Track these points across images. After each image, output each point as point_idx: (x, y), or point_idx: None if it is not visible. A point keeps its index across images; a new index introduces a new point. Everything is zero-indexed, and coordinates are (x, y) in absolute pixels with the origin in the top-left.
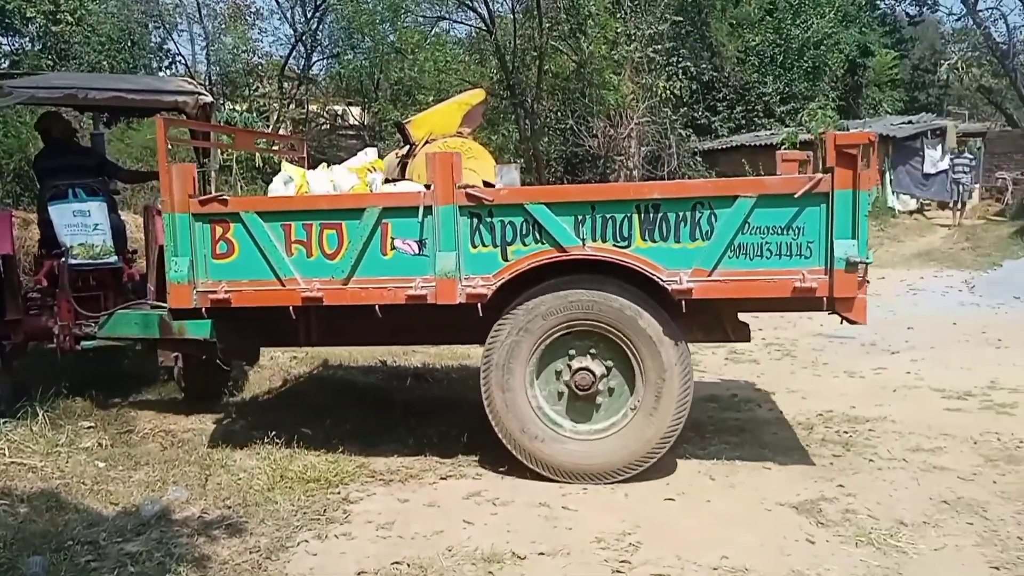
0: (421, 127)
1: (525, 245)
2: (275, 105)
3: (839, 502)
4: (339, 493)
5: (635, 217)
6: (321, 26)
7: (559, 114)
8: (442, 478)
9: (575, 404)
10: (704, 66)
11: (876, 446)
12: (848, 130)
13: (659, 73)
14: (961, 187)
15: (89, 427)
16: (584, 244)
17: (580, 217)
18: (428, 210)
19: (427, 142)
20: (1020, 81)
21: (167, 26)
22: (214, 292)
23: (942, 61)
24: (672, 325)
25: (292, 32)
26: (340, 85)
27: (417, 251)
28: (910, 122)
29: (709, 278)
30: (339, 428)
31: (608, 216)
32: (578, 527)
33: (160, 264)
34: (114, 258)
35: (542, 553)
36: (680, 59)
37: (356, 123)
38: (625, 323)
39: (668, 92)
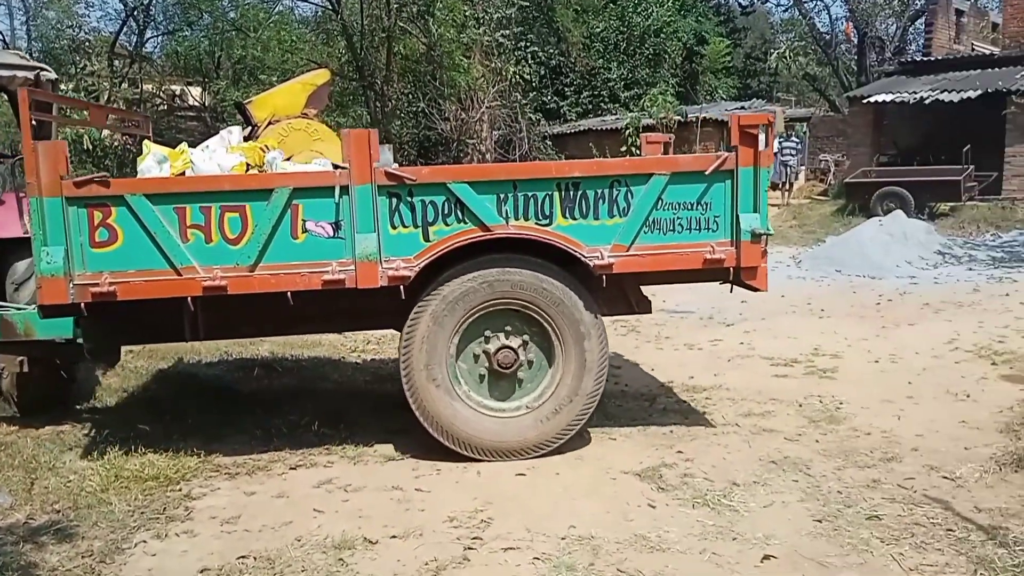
0: (264, 108)
1: (447, 225)
2: (105, 84)
3: (678, 467)
4: (180, 490)
5: (556, 195)
6: (154, 0)
7: (410, 97)
8: (291, 468)
9: (497, 383)
10: (551, 51)
11: (712, 413)
12: (686, 115)
13: (508, 57)
14: (789, 169)
15: None
16: (508, 222)
17: (503, 196)
18: (344, 190)
19: (270, 123)
20: (841, 69)
21: None
22: (95, 285)
23: (772, 50)
24: (591, 300)
25: (123, 6)
26: (178, 64)
27: (332, 234)
28: (743, 107)
29: (628, 253)
30: (180, 423)
31: (530, 194)
32: (430, 508)
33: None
34: None
35: (394, 536)
36: (528, 44)
37: (196, 104)
38: (547, 300)
39: (517, 76)
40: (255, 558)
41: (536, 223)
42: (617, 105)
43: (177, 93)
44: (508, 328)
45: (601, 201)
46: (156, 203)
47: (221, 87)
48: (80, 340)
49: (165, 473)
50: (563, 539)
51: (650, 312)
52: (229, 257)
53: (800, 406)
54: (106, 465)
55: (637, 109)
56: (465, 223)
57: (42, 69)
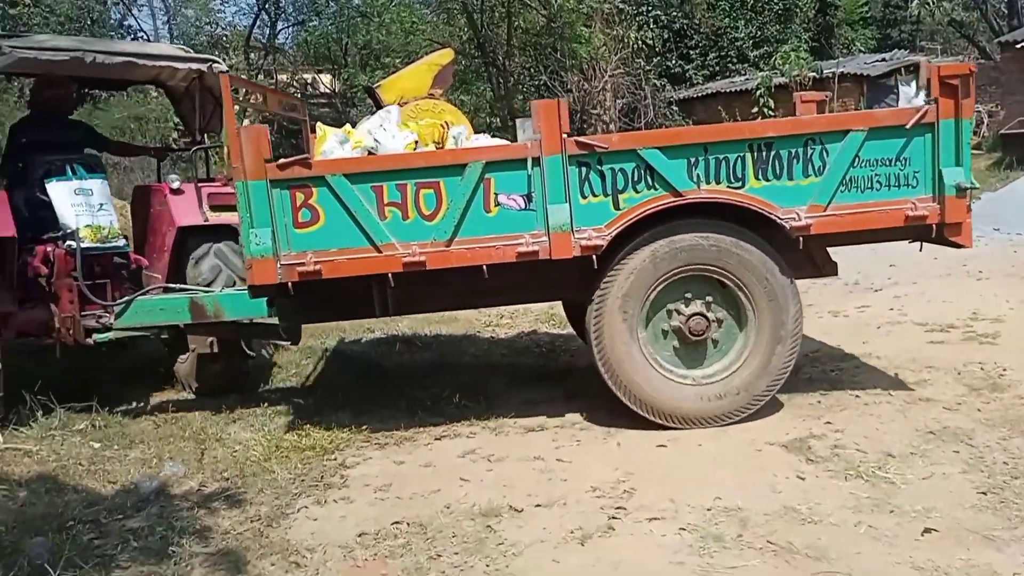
0: (392, 91)
1: (637, 192)
2: (243, 77)
3: (827, 439)
4: (335, 459)
5: (748, 156)
6: None
7: (532, 70)
8: (436, 439)
9: (688, 350)
10: (675, 14)
11: (862, 382)
12: (822, 72)
13: (630, 23)
14: None
15: (81, 410)
16: (699, 187)
17: (693, 160)
18: (535, 161)
19: (399, 106)
20: (991, 13)
21: (126, 1)
22: (301, 264)
23: None
24: (784, 264)
25: (255, 1)
26: (308, 53)
27: (523, 206)
28: (883, 60)
29: (825, 213)
30: (331, 397)
31: (721, 157)
32: (573, 478)
33: (176, 246)
34: (123, 241)
35: (539, 505)
36: (650, 8)
37: (327, 91)
38: (740, 265)
39: (640, 42)
40: (408, 524)
41: (728, 186)
42: (746, 65)
43: (309, 81)
44: (697, 295)
45: (795, 161)
46: (355, 182)
47: (350, 73)
48: (260, 321)
49: (321, 444)
50: (708, 510)
51: (836, 275)
52: (426, 233)
53: (959, 374)
54: (268, 436)
55: (768, 68)
56: (655, 189)
57: (213, 61)
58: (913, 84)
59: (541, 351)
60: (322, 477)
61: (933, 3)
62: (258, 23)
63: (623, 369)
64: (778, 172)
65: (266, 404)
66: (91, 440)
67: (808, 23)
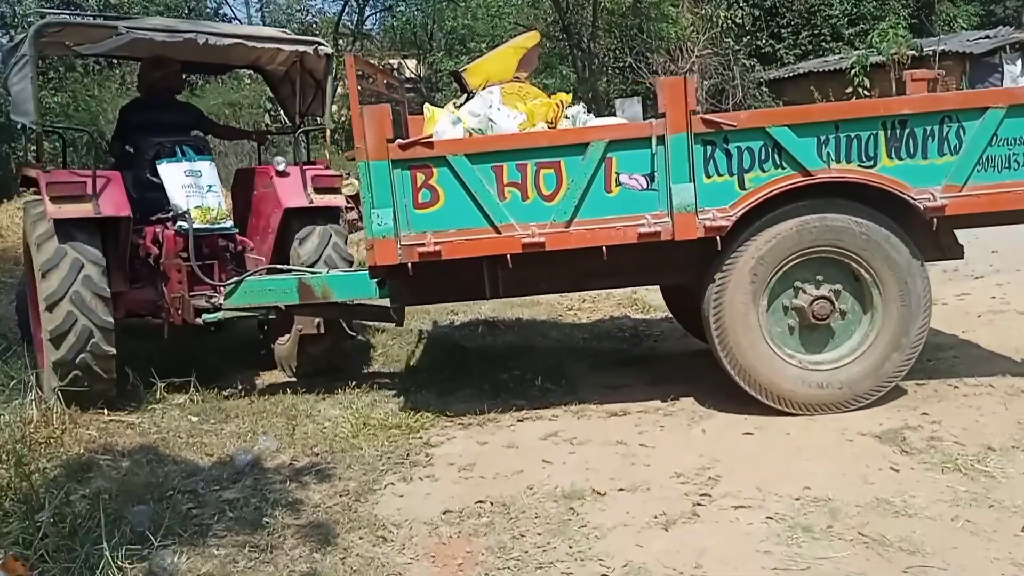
0: (477, 75)
1: (764, 171)
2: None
3: (923, 430)
4: (420, 438)
5: (881, 135)
6: None
7: (617, 52)
8: (519, 420)
9: (810, 335)
10: None
11: (961, 372)
12: (922, 49)
13: (719, 2)
14: None
15: (180, 386)
16: (829, 166)
17: (823, 138)
18: (659, 140)
19: (485, 88)
20: None
21: None
22: (421, 245)
23: None
24: (913, 246)
25: None
26: (395, 39)
27: (645, 186)
28: (987, 37)
29: (961, 193)
30: (415, 377)
31: (853, 135)
32: (656, 463)
33: (282, 228)
34: (230, 223)
35: (622, 489)
36: None
37: (412, 76)
38: (867, 247)
39: (729, 21)
40: (491, 503)
41: (859, 165)
42: (840, 44)
43: (395, 66)
44: (820, 277)
45: (930, 139)
46: (475, 162)
47: (436, 58)
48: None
49: (406, 422)
50: (797, 500)
51: (961, 257)
52: (545, 213)
53: None
54: (355, 414)
55: (864, 46)
56: (783, 168)
57: (318, 43)
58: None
59: (624, 336)
60: (408, 455)
61: None
62: (347, 10)
63: (734, 330)
64: (912, 151)
65: (354, 383)
66: (189, 414)
67: None
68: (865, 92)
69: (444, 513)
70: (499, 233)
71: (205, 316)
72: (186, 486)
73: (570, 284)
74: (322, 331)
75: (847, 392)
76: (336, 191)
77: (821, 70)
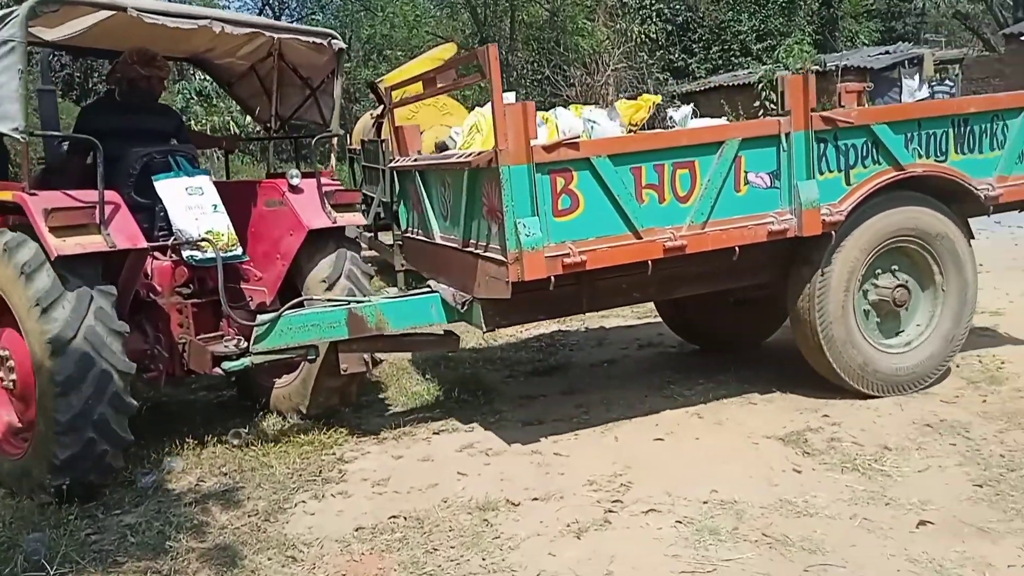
0: (394, 83)
1: (865, 167)
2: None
3: (824, 432)
4: (334, 454)
5: (950, 132)
6: None
7: (535, 64)
8: (434, 433)
9: (885, 320)
10: (678, 7)
11: None
12: (825, 64)
13: (633, 17)
14: None
15: None
16: (915, 160)
17: (909, 135)
18: (785, 138)
19: (401, 102)
20: (996, 5)
21: None
22: (566, 255)
23: None
24: (965, 233)
25: None
26: None
27: (769, 184)
28: (887, 52)
29: (1008, 184)
30: None
31: (930, 132)
32: (570, 472)
33: (298, 253)
34: (240, 250)
35: (536, 499)
36: (654, 2)
37: None
38: (937, 236)
39: (643, 36)
40: (405, 518)
41: (934, 160)
42: (749, 59)
43: None
44: (894, 266)
45: (984, 135)
46: (618, 165)
47: (352, 67)
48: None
49: (319, 439)
50: (705, 503)
51: (972, 237)
52: (681, 216)
53: (957, 366)
54: (266, 431)
55: (771, 62)
56: (880, 164)
57: (334, 37)
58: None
59: (540, 345)
60: (320, 472)
61: None
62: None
63: (836, 322)
64: (972, 146)
65: (264, 399)
66: None
67: (812, 16)
68: (772, 106)
69: (357, 530)
70: (640, 239)
71: (226, 365)
72: (85, 511)
73: (657, 292)
74: (371, 369)
75: (915, 374)
76: (355, 208)
77: (731, 84)
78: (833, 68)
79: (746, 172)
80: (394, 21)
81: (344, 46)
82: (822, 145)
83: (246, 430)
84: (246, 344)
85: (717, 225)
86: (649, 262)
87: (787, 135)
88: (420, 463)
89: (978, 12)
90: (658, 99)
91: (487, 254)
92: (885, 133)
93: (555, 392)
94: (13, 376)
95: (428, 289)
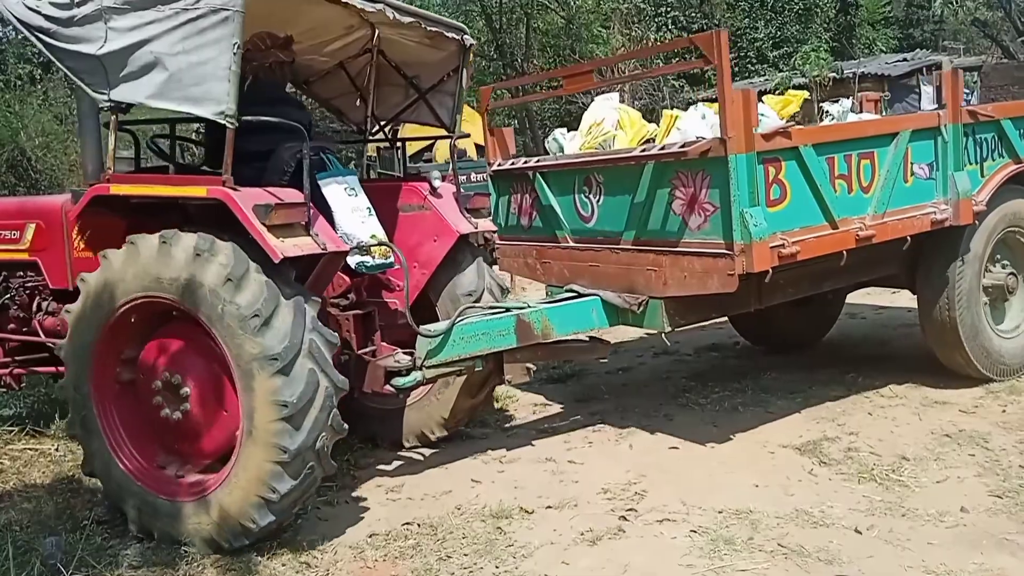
0: None
1: (994, 160)
2: None
3: (841, 441)
4: (348, 459)
5: None
6: None
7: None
8: (448, 440)
9: (994, 308)
10: (694, 14)
11: (878, 384)
12: (842, 72)
13: (648, 24)
14: None
15: None
16: None
17: (1021, 131)
18: (943, 131)
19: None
20: (1015, 12)
21: None
22: (781, 246)
23: None
24: None
25: None
26: None
27: (928, 175)
28: (905, 59)
29: None
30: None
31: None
32: (584, 480)
33: (445, 259)
34: (392, 257)
35: (549, 507)
36: (669, 8)
37: None
38: None
39: (659, 43)
40: (419, 524)
41: None
42: (765, 66)
43: None
44: (999, 256)
45: None
46: (820, 154)
47: None
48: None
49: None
50: (720, 512)
51: None
52: (863, 206)
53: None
54: None
55: (787, 69)
56: (1004, 157)
57: (463, 30)
58: (935, 84)
59: None
60: (334, 477)
61: (956, 2)
62: None
63: (969, 309)
64: None
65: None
66: None
67: (829, 23)
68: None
69: (370, 536)
70: (836, 229)
71: (397, 381)
72: (101, 515)
73: (809, 286)
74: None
75: (1018, 358)
76: (489, 213)
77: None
78: (851, 75)
79: (912, 163)
80: None
81: (473, 42)
82: (966, 138)
83: None
84: (410, 359)
85: (894, 215)
86: (844, 252)
87: (945, 127)
88: (434, 470)
89: (996, 19)
90: (807, 95)
91: (689, 249)
92: (1010, 128)
93: (570, 399)
94: (186, 405)
95: (576, 294)
